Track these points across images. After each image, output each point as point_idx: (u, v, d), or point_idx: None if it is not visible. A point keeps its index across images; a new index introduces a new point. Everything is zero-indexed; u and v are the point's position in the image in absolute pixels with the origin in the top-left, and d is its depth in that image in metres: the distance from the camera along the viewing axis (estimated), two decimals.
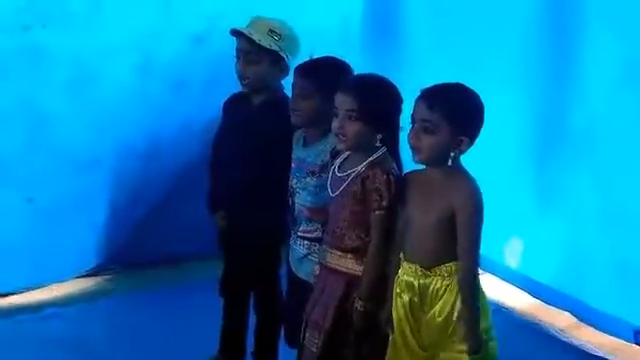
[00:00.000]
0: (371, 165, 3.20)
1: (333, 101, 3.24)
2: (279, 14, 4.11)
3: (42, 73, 4.83)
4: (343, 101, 3.19)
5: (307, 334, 3.34)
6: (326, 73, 3.52)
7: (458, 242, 3.03)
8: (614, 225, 4.58)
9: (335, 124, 3.21)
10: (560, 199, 4.93)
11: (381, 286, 3.21)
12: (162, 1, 5.12)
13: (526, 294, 5.18)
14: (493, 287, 4.85)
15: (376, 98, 3.21)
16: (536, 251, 5.09)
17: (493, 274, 5.18)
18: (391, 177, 3.16)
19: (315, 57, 3.61)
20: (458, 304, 3.07)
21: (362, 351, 3.26)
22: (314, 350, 3.29)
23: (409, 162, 3.17)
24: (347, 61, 3.63)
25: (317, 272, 3.42)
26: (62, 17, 4.83)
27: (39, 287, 5.05)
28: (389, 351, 3.23)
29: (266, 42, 3.82)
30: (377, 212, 3.17)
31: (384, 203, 3.15)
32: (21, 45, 4.74)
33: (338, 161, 3.33)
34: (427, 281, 3.10)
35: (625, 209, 4.52)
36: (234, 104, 4.03)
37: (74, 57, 4.90)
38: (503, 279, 5.28)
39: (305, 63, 3.59)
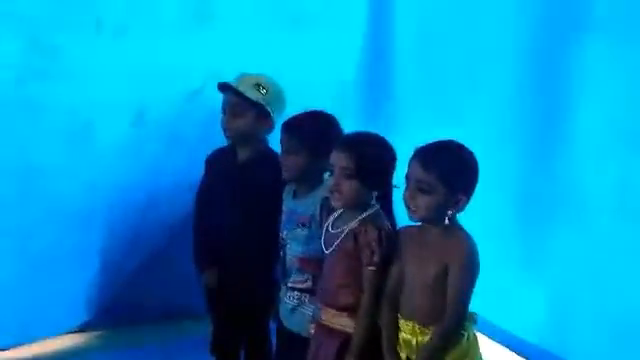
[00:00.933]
0: (363, 221, 3.18)
1: (320, 154, 3.29)
2: (275, 67, 4.15)
3: (37, 126, 4.81)
4: (339, 158, 3.19)
5: None
6: (311, 127, 3.54)
7: (447, 296, 3.01)
8: (601, 283, 4.55)
9: (330, 181, 3.20)
10: (545, 257, 4.91)
11: (372, 343, 3.16)
12: (158, 56, 5.10)
13: (512, 353, 5.13)
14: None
15: (372, 156, 3.22)
16: (521, 309, 5.06)
17: (478, 331, 5.13)
18: (383, 233, 3.15)
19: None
20: None
21: None
22: None
23: (403, 219, 3.14)
24: (340, 115, 3.64)
25: (313, 330, 3.38)
26: (57, 71, 4.81)
27: (27, 343, 4.98)
28: None
29: (252, 95, 3.85)
30: (369, 268, 3.15)
31: (375, 259, 3.12)
32: (16, 98, 4.73)
33: (332, 218, 3.31)
34: (425, 339, 3.08)
35: (612, 265, 4.49)
36: (218, 159, 4.05)
37: (69, 110, 4.88)
38: (489, 337, 5.22)
39: (290, 119, 3.62)
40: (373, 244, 3.13)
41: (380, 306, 3.18)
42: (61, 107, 4.86)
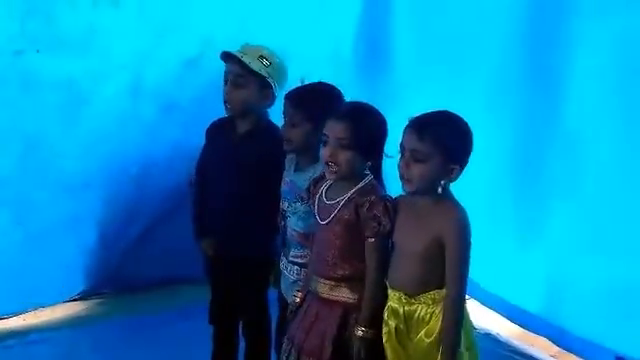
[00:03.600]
0: (363, 192, 3.19)
1: (322, 128, 3.24)
2: (271, 38, 4.15)
3: (34, 96, 4.82)
4: (334, 129, 3.18)
5: None
6: (316, 100, 3.51)
7: (447, 270, 3.02)
8: (595, 252, 4.58)
9: (326, 152, 3.19)
10: (541, 225, 4.92)
11: (381, 312, 3.18)
12: (154, 24, 5.11)
13: (507, 321, 5.19)
14: (475, 312, 4.82)
15: (367, 126, 3.20)
16: (517, 278, 5.08)
17: (475, 299, 5.17)
18: (388, 204, 3.14)
19: (305, 82, 3.60)
20: None
21: None
22: None
23: (392, 189, 3.16)
24: (337, 86, 3.63)
25: (298, 298, 3.39)
26: (55, 41, 4.82)
27: (28, 312, 5.02)
28: None
29: (256, 66, 3.82)
30: (373, 239, 3.15)
31: (382, 230, 3.13)
32: (14, 69, 4.74)
33: (323, 188, 3.31)
34: (412, 308, 3.09)
35: (607, 235, 4.51)
36: (218, 129, 4.03)
37: (66, 80, 4.90)
38: (485, 305, 5.28)
39: (295, 91, 3.58)
40: (380, 216, 3.12)
41: (385, 275, 3.17)
42: (57, 77, 4.88)
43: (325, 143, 3.20)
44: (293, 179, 3.60)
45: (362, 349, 3.17)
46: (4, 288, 4.89)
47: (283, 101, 3.61)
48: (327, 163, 3.20)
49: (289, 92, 3.60)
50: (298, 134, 3.50)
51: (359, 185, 3.21)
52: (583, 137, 4.62)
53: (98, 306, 5.26)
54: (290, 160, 3.66)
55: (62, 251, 5.10)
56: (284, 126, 3.57)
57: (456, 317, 3.04)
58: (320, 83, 3.61)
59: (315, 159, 3.46)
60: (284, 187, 3.65)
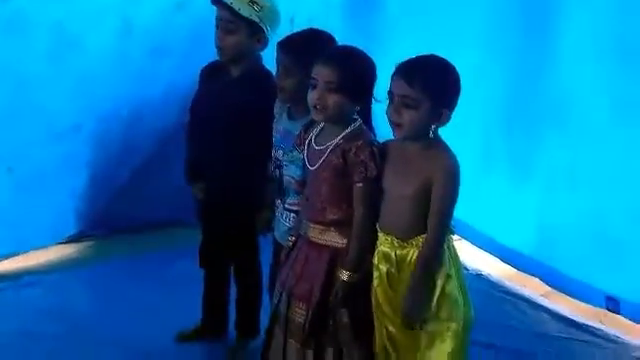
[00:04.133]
0: (351, 137, 3.17)
1: None
2: None
3: (22, 39, 4.79)
4: (322, 72, 3.15)
5: (291, 305, 3.31)
6: (309, 47, 3.45)
7: (430, 212, 3.04)
8: (586, 193, 4.62)
9: (314, 95, 3.17)
10: (532, 167, 4.95)
11: (367, 257, 3.20)
12: None
13: (498, 261, 5.22)
14: (466, 253, 4.86)
15: (355, 70, 3.18)
16: (509, 218, 5.12)
17: (466, 240, 5.22)
18: (374, 149, 3.14)
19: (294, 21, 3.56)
20: (440, 277, 3.09)
21: (348, 319, 3.24)
22: (301, 321, 3.28)
23: (382, 134, 3.16)
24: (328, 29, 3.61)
25: (291, 241, 3.41)
26: None
27: (19, 254, 5.04)
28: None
29: (246, 11, 3.78)
30: (361, 184, 3.15)
31: (369, 174, 3.13)
32: (1, 13, 4.69)
33: (313, 134, 3.30)
34: (404, 252, 3.11)
35: (596, 175, 4.55)
36: (212, 72, 4.00)
37: (54, 23, 4.86)
38: (476, 245, 5.32)
39: (287, 38, 3.53)
40: (366, 161, 3.12)
41: (373, 220, 3.18)
42: (46, 20, 4.84)
43: (314, 87, 3.18)
44: (287, 127, 3.57)
45: (340, 291, 3.19)
46: None
47: (275, 48, 3.58)
48: (314, 106, 3.19)
49: (281, 40, 3.55)
50: (292, 82, 3.46)
51: (347, 130, 3.20)
52: (575, 79, 4.62)
53: (89, 248, 5.27)
54: (281, 108, 3.64)
55: (53, 194, 5.10)
56: (277, 74, 3.53)
57: (429, 262, 3.07)
58: (312, 29, 3.57)
59: (309, 108, 3.46)
60: (277, 135, 3.62)
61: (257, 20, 3.80)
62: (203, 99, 4.01)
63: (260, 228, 3.87)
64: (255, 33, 3.83)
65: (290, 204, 3.55)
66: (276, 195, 3.64)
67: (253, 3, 3.81)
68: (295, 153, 3.47)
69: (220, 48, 3.85)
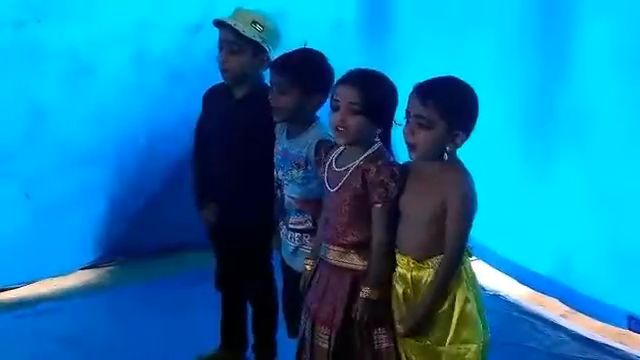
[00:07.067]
0: (372, 159, 3.18)
1: (311, 93, 3.34)
2: (273, 3, 4.10)
3: (38, 67, 4.84)
4: (345, 93, 3.16)
5: (315, 330, 3.30)
6: (301, 66, 3.51)
7: (446, 234, 3.04)
8: (605, 211, 4.57)
9: (336, 117, 3.18)
10: (550, 185, 4.91)
11: (387, 277, 3.19)
12: None
13: (517, 282, 5.18)
14: (483, 273, 4.83)
15: (378, 92, 3.20)
16: (526, 239, 5.07)
17: (483, 261, 5.18)
18: (395, 169, 3.14)
19: (308, 45, 3.59)
20: (460, 299, 3.09)
21: (372, 341, 3.24)
22: (325, 346, 3.27)
23: (400, 157, 3.17)
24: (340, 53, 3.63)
25: (309, 266, 3.40)
26: (57, 11, 4.83)
27: (38, 281, 5.06)
28: None
29: (249, 33, 3.82)
30: (380, 205, 3.15)
31: (390, 195, 3.13)
32: (17, 40, 4.75)
33: (334, 156, 3.31)
34: (420, 273, 3.11)
35: (616, 194, 4.50)
36: (215, 95, 4.03)
37: (70, 50, 4.91)
38: (493, 266, 5.28)
39: (279, 58, 3.59)
40: (387, 181, 3.12)
41: (392, 241, 3.17)
42: (62, 47, 4.88)
43: (336, 108, 3.19)
44: (286, 147, 3.59)
45: (363, 309, 3.17)
46: (14, 258, 4.91)
47: (269, 71, 3.62)
48: (337, 128, 3.20)
49: (275, 61, 3.61)
50: (288, 101, 3.50)
51: (368, 152, 3.20)
52: (591, 94, 4.59)
53: (108, 274, 5.30)
54: (281, 127, 3.66)
55: (71, 221, 5.12)
56: (272, 94, 3.56)
57: (444, 281, 3.07)
58: (304, 49, 3.59)
59: (305, 127, 3.51)
60: (277, 156, 3.65)
61: (260, 41, 3.83)
62: (208, 123, 4.04)
63: (277, 244, 3.88)
64: (258, 54, 3.86)
65: (293, 223, 3.58)
66: (279, 215, 3.67)
67: (255, 23, 3.85)
68: (294, 172, 3.50)
69: (225, 70, 3.89)
